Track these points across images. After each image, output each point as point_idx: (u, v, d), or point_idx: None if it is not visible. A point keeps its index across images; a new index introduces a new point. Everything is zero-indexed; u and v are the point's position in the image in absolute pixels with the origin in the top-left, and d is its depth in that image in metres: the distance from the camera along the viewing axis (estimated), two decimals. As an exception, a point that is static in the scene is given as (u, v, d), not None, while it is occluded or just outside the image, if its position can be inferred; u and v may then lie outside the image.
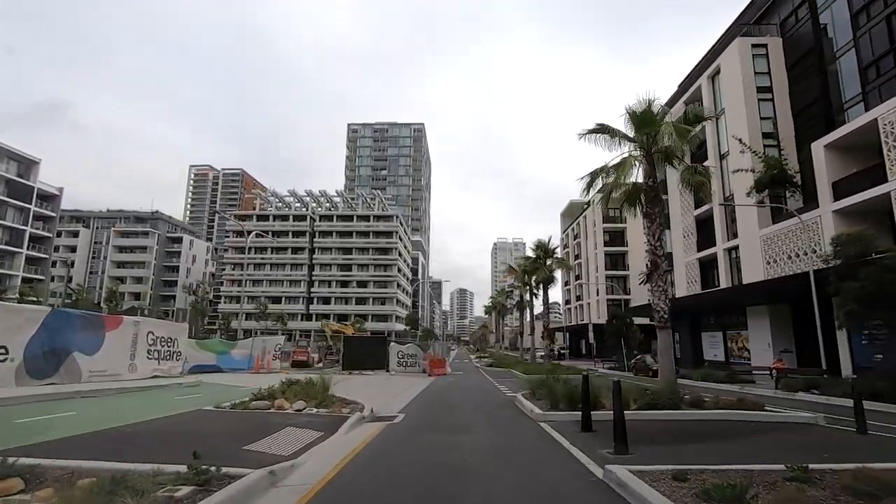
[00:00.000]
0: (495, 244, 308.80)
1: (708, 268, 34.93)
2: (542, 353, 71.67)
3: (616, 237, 61.92)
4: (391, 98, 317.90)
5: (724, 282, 31.31)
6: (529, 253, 27.48)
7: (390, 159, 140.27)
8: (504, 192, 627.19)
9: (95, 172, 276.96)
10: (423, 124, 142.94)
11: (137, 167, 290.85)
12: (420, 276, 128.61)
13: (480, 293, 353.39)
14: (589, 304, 65.08)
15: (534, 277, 31.04)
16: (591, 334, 44.24)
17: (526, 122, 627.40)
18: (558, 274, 48.69)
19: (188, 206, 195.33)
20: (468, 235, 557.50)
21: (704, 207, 33.76)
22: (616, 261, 61.63)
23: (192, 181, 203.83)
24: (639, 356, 31.01)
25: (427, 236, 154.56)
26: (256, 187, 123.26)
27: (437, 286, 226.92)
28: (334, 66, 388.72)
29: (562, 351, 67.40)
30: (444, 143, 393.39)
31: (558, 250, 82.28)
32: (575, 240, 70.36)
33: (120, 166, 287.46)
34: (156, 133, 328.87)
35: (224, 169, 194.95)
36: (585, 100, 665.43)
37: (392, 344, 24.68)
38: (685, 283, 36.57)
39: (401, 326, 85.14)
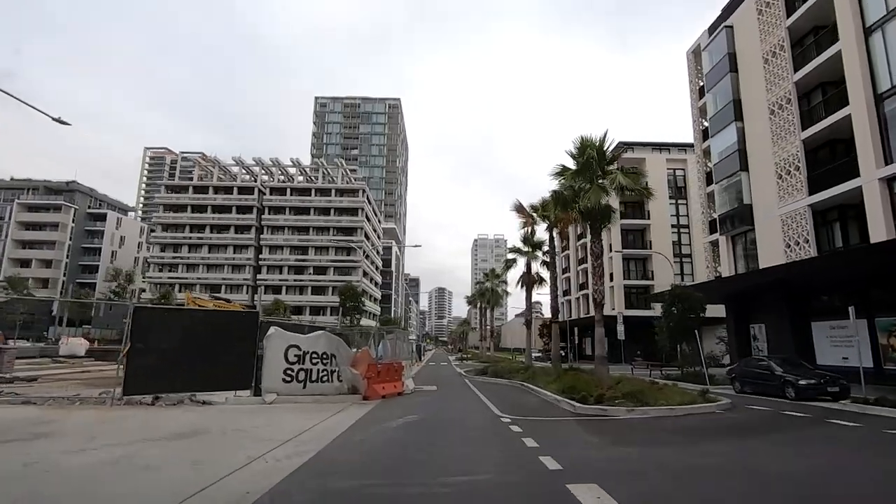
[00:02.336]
0: (475, 241, 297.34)
1: (829, 218, 22.17)
2: (537, 354, 58.47)
3: (634, 209, 49.25)
4: (379, 93, 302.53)
5: (878, 233, 18.48)
6: (567, 164, 14.04)
7: (362, 137, 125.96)
8: (488, 192, 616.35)
9: (47, 154, 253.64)
10: (398, 100, 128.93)
11: (95, 150, 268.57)
12: (393, 268, 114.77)
13: (460, 294, 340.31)
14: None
15: (569, 219, 17.66)
16: (620, 328, 31.26)
17: (514, 119, 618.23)
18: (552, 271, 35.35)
19: (142, 191, 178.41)
20: (447, 236, 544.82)
21: (831, 119, 20.92)
22: (634, 239, 48.99)
23: (147, 165, 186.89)
24: (769, 359, 17.55)
25: (402, 225, 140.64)
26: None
27: (414, 283, 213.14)
28: (311, 51, 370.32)
29: (561, 351, 54.53)
30: (427, 139, 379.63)
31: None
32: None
33: (73, 148, 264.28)
34: (113, 113, 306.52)
35: (183, 152, 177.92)
36: (575, 97, 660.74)
37: (273, 332, 10.57)
38: (780, 244, 23.75)
39: (369, 322, 70.93)
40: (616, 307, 46.76)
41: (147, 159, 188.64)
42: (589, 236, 14.70)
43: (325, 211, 74.15)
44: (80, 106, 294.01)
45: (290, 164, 76.49)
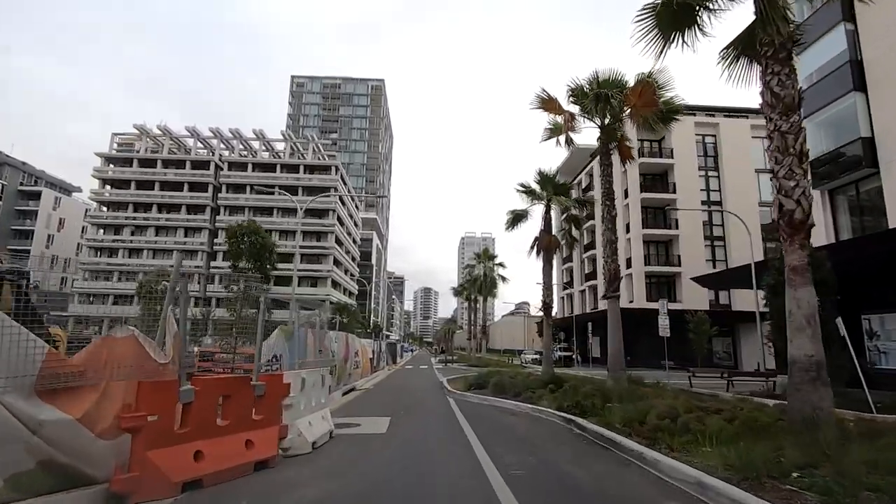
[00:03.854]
0: (462, 238, 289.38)
1: None
2: (533, 356, 49.98)
3: (655, 182, 40.92)
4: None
5: None
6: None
7: (342, 120, 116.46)
8: (476, 193, 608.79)
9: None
10: (382, 80, 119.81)
11: (71, 138, 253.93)
12: (374, 262, 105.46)
13: (447, 295, 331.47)
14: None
15: (653, 102, 9.01)
16: (664, 321, 22.52)
17: (504, 114, 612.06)
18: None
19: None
20: (434, 238, 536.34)
21: None
22: (655, 218, 40.61)
23: (114, 152, 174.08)
24: None
25: (385, 217, 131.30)
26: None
27: (399, 282, 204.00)
28: (290, 32, 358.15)
29: (564, 353, 46.24)
30: (414, 138, 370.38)
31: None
32: (585, 194, 48.91)
33: (48, 137, 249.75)
34: (80, 99, 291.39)
35: (136, 124, 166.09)
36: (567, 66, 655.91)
37: None
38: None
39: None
40: (635, 298, 38.40)
41: (114, 146, 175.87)
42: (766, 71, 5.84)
43: (292, 190, 64.62)
44: (41, 92, 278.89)
45: (253, 136, 66.89)
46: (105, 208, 64.81)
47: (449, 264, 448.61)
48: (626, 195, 40.96)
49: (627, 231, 40.52)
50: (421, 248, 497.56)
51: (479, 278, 36.25)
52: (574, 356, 42.45)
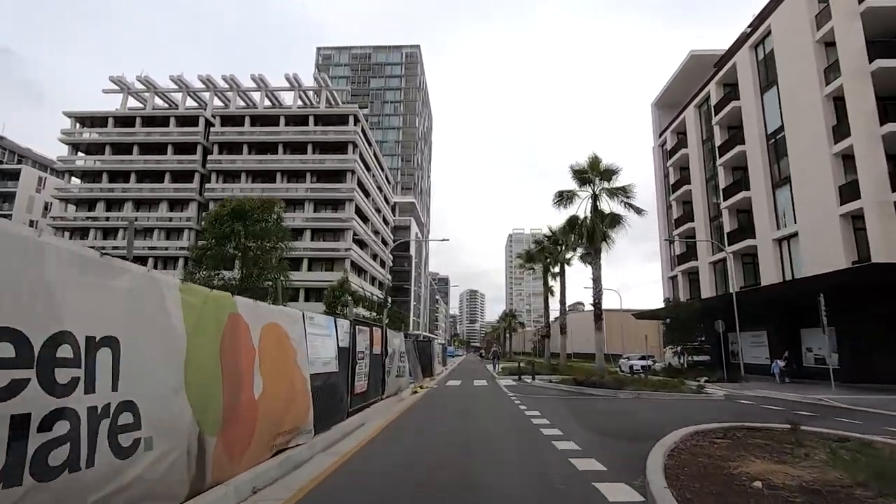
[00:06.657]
0: (510, 236, 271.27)
1: None
2: (643, 364, 32.35)
3: (885, 45, 22.69)
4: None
5: None
6: None
7: (374, 94, 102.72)
8: (523, 186, 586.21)
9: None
10: (417, 47, 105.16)
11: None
12: (414, 254, 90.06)
13: (493, 298, 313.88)
14: (791, 236, 25.86)
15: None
16: None
17: (552, 104, 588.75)
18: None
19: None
20: (479, 238, 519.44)
21: None
22: (888, 110, 22.41)
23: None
24: None
25: (425, 204, 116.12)
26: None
27: (443, 283, 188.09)
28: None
29: (700, 358, 28.79)
30: (457, 129, 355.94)
31: (653, 151, 43.11)
32: (716, 113, 30.96)
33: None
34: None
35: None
36: (629, 72, 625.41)
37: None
38: None
39: (360, 310, 46.10)
40: (878, 251, 20.34)
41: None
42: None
43: (299, 147, 50.31)
44: (48, 69, 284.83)
45: (253, 86, 53.10)
46: (78, 179, 52.74)
47: (496, 265, 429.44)
48: (831, 76, 23.10)
49: (837, 138, 22.62)
50: (466, 250, 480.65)
51: (576, 223, 19.40)
52: (722, 363, 24.77)
